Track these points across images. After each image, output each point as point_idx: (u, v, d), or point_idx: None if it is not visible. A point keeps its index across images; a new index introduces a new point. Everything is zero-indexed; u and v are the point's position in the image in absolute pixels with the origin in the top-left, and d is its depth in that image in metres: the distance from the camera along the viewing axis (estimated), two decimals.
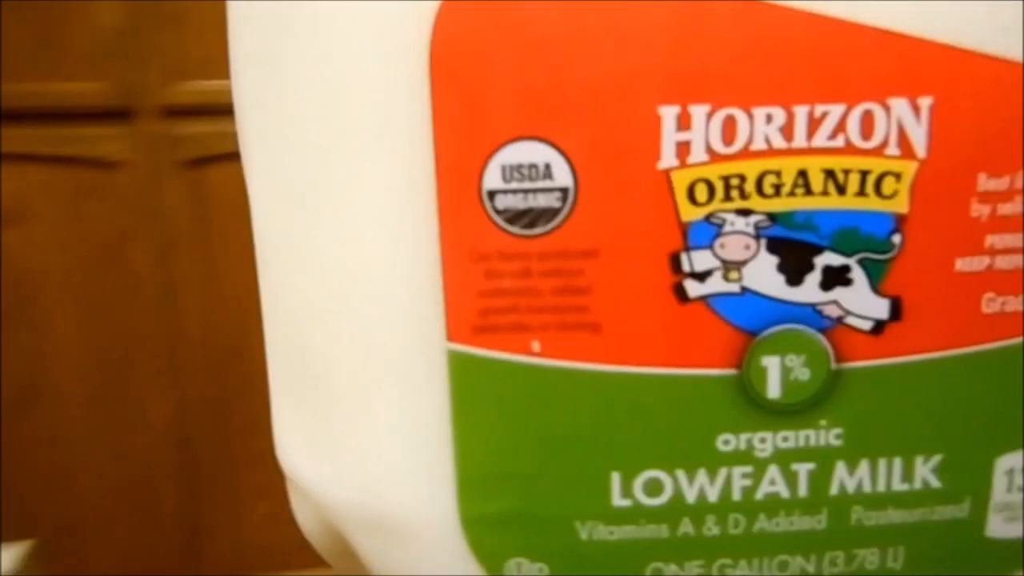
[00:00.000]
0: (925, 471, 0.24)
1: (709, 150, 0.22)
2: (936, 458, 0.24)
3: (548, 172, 0.22)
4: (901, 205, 0.22)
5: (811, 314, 0.23)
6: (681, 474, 0.24)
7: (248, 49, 0.24)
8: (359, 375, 0.25)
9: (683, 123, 0.22)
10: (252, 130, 0.25)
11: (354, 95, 0.22)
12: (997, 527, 0.25)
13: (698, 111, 0.22)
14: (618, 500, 0.24)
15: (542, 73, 0.21)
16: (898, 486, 0.24)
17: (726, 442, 0.24)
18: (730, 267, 0.23)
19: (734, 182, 0.22)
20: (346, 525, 0.27)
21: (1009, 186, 0.22)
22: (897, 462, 0.24)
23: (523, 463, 0.24)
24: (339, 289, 0.24)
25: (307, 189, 0.24)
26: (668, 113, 0.22)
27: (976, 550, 0.25)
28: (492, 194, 0.22)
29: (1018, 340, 0.23)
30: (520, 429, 0.24)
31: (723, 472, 0.24)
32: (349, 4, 0.21)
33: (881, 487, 0.24)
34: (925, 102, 0.22)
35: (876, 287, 0.23)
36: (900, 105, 0.22)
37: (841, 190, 0.22)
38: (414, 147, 0.22)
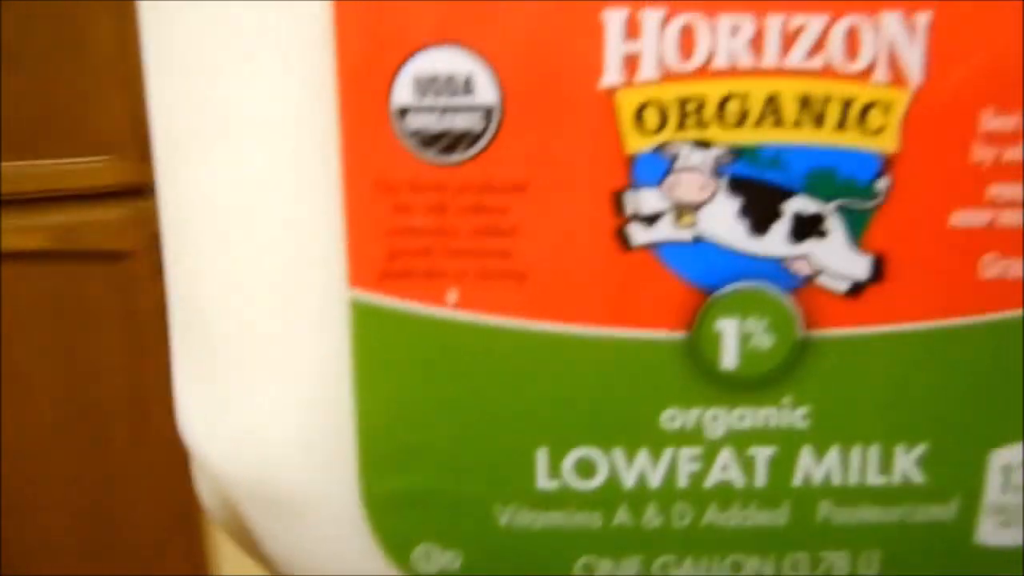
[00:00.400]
0: (906, 462, 0.21)
1: (662, 66, 0.18)
2: (920, 448, 0.21)
3: (469, 86, 0.19)
4: (889, 143, 0.19)
5: (777, 270, 0.20)
6: (618, 453, 0.20)
7: None
8: (252, 328, 0.21)
9: (632, 31, 0.18)
10: (151, 45, 0.22)
11: None
12: (989, 532, 0.22)
13: (650, 17, 0.18)
14: (544, 481, 0.21)
15: None
16: (874, 479, 0.21)
17: (672, 418, 0.20)
18: (683, 210, 0.19)
19: (691, 107, 0.19)
20: (242, 501, 0.23)
21: (1018, 126, 0.19)
22: (873, 450, 0.21)
23: (434, 434, 0.21)
24: (230, 226, 0.21)
25: (199, 108, 0.21)
26: (614, 18, 0.18)
27: (964, 558, 0.22)
28: (403, 111, 0.19)
29: (1020, 312, 0.20)
30: (432, 394, 0.20)
31: (667, 453, 0.20)
32: None
33: (853, 479, 0.21)
34: (922, 18, 0.18)
35: (856, 241, 0.19)
36: (893, 20, 0.18)
37: (818, 121, 0.19)
38: (312, 52, 0.19)
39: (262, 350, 0.21)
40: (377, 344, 0.20)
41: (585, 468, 0.21)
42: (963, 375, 0.20)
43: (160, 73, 0.22)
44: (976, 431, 0.21)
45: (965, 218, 0.19)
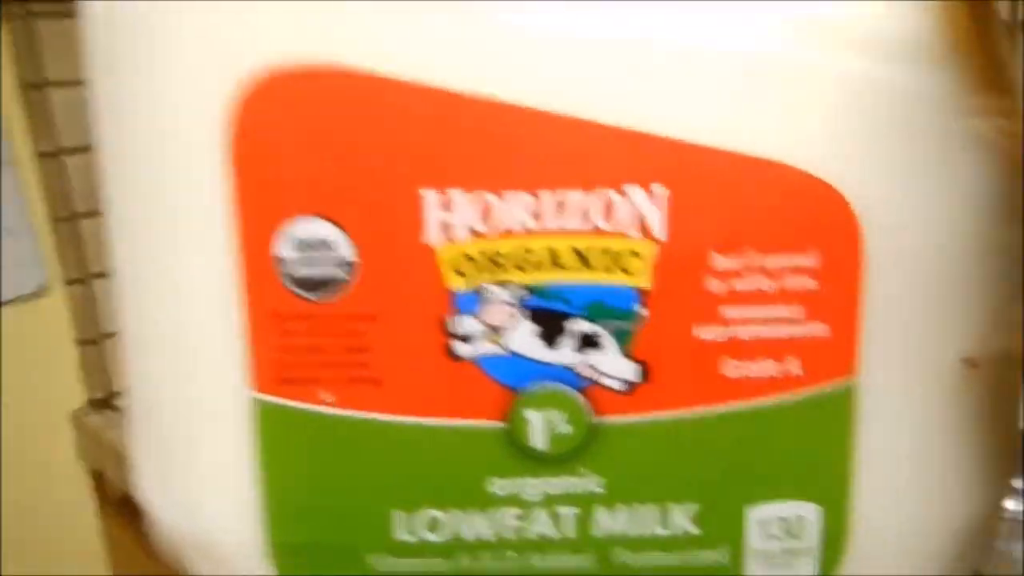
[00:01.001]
0: (682, 518, 0.27)
1: (470, 229, 0.25)
2: (692, 507, 0.27)
3: (332, 246, 0.25)
4: (644, 281, 0.25)
5: (568, 374, 0.26)
6: (457, 514, 0.27)
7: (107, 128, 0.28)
8: (182, 419, 0.28)
9: (445, 205, 0.25)
10: (113, 211, 0.29)
11: (168, 176, 0.26)
12: (757, 572, 0.27)
13: (457, 194, 0.25)
14: (401, 535, 0.27)
15: (325, 160, 0.25)
16: (657, 531, 0.27)
17: (497, 486, 0.26)
18: (494, 331, 0.26)
19: (493, 257, 0.25)
20: (181, 548, 0.30)
21: (743, 265, 0.25)
22: (655, 508, 0.27)
23: (320, 499, 0.27)
24: (163, 345, 0.27)
25: (141, 253, 0.28)
26: (430, 195, 0.25)
27: None
28: (285, 264, 0.25)
29: (760, 401, 0.26)
30: (316, 470, 0.27)
31: (496, 513, 0.27)
32: (159, 99, 0.25)
33: (641, 531, 0.27)
34: (660, 190, 0.24)
35: (624, 351, 0.25)
36: (636, 192, 0.24)
37: (590, 267, 0.25)
38: (218, 221, 0.26)
39: (191, 438, 0.28)
40: (274, 433, 0.27)
41: (432, 525, 0.27)
42: (720, 450, 0.26)
43: (118, 222, 0.29)
44: (736, 493, 0.27)
45: (707, 332, 0.25)
